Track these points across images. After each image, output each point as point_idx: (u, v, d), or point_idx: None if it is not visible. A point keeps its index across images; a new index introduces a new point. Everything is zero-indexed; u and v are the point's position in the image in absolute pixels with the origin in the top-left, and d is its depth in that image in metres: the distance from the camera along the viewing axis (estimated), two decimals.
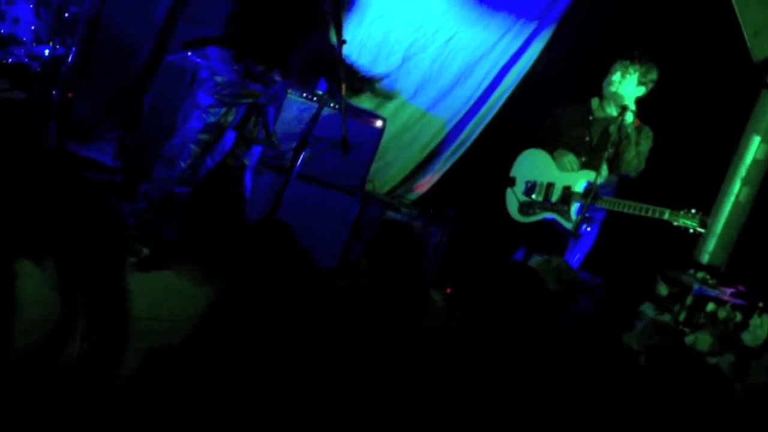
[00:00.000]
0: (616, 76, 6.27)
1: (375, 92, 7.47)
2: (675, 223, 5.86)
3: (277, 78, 5.50)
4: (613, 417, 3.34)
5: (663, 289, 6.50)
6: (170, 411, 2.51)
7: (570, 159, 6.35)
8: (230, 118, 5.40)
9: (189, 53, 5.57)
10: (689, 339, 5.32)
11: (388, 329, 3.17)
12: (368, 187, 6.91)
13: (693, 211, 5.84)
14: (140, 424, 2.49)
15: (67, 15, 6.11)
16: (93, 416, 2.35)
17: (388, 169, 7.72)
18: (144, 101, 6.57)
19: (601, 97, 6.43)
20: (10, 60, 5.66)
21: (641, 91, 6.25)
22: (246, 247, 3.31)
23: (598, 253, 6.51)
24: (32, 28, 5.85)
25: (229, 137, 5.55)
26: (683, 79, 7.07)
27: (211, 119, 5.35)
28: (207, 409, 2.52)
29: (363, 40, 7.26)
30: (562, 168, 6.38)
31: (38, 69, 5.74)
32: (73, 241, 2.43)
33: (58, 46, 5.96)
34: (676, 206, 5.89)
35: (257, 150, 5.67)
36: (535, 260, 4.40)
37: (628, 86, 6.23)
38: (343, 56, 5.28)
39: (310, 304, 2.64)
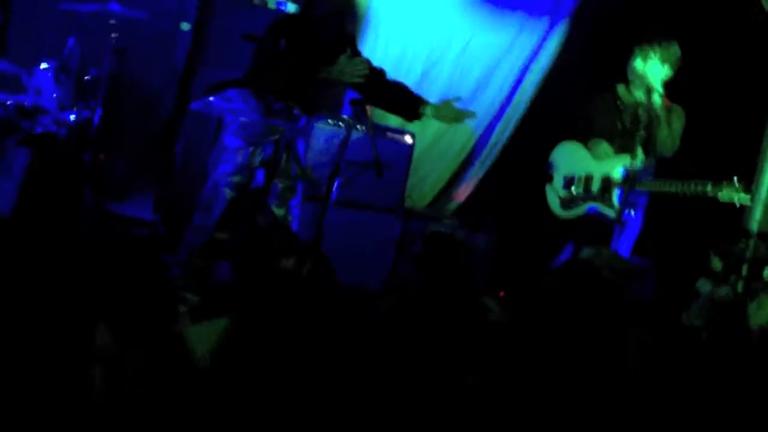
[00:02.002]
0: (638, 63, 6.22)
1: None
2: (719, 195, 5.79)
3: (298, 113, 5.49)
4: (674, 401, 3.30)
5: (717, 263, 6.41)
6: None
7: (604, 147, 6.30)
8: (257, 158, 5.41)
9: (211, 98, 5.59)
10: (752, 308, 5.24)
11: (445, 342, 3.16)
12: (407, 203, 6.90)
13: (735, 180, 5.77)
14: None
15: (87, 78, 6.18)
16: None
17: (424, 183, 7.71)
18: (176, 151, 6.61)
19: (627, 82, 6.38)
20: (38, 130, 5.73)
21: (666, 70, 6.18)
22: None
23: (648, 235, 6.44)
24: (54, 96, 5.91)
25: (260, 176, 5.57)
26: (713, 50, 6.99)
27: (240, 160, 5.37)
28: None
29: (381, 61, 7.26)
30: (597, 157, 6.33)
31: (65, 135, 5.80)
32: (128, 297, 2.49)
33: (83, 110, 6.01)
34: (718, 179, 5.82)
35: (300, 188, 5.67)
36: (585, 253, 4.36)
37: (652, 69, 6.17)
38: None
39: (358, 325, 2.64)
